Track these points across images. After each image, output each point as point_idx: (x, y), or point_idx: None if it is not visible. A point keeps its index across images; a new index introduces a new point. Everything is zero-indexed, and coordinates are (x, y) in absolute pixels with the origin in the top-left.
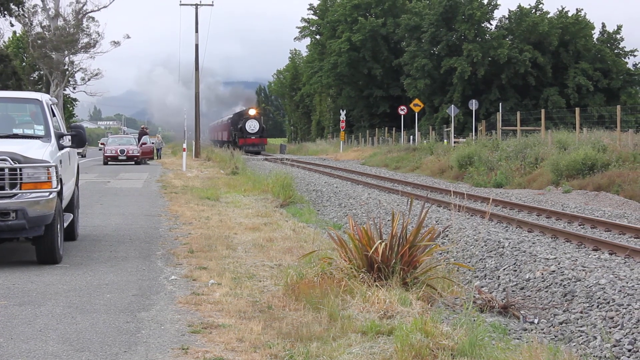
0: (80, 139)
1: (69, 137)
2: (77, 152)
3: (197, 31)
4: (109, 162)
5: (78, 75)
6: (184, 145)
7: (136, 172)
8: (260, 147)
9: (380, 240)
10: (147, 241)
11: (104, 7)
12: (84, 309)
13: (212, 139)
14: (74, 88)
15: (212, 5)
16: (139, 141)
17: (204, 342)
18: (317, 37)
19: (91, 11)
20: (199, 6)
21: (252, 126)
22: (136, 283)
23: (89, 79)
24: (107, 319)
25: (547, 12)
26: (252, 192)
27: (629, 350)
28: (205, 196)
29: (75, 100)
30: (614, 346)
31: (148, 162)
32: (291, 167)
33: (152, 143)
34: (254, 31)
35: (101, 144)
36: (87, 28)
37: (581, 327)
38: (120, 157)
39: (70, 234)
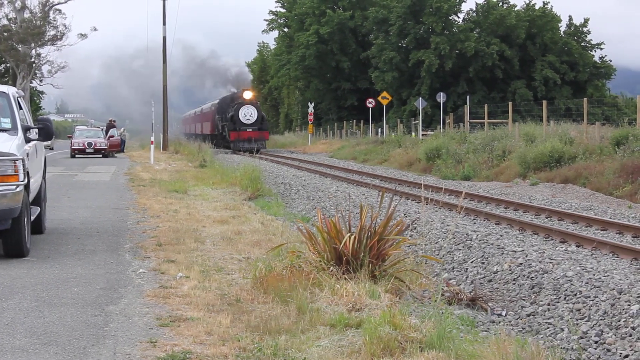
0: (47, 132)
1: (36, 130)
2: (45, 145)
3: (164, 23)
4: (77, 155)
5: (45, 68)
6: (152, 138)
7: (104, 165)
8: (260, 143)
9: (349, 234)
10: (115, 234)
11: None
12: (52, 303)
13: (187, 133)
14: (41, 81)
15: None
16: (106, 134)
17: (172, 336)
18: (285, 29)
19: (58, 3)
20: None
21: (248, 114)
22: (104, 276)
23: (55, 72)
24: (74, 312)
25: (514, 5)
26: (220, 185)
27: (596, 342)
28: (173, 189)
29: (42, 93)
30: (581, 338)
31: (115, 155)
32: (259, 159)
33: (120, 136)
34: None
35: (69, 137)
36: (54, 20)
37: (548, 319)
38: (87, 150)
39: (38, 227)
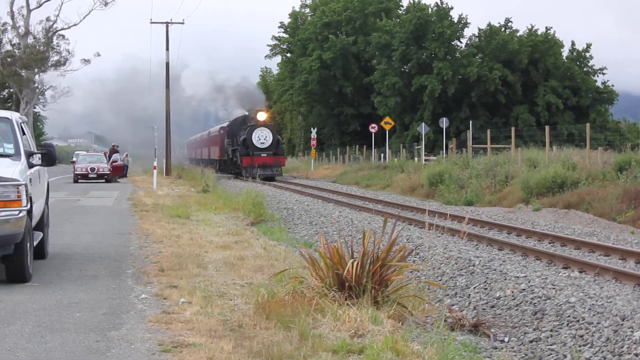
0: (50, 157)
1: (39, 155)
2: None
3: (167, 49)
4: (79, 180)
5: (48, 93)
6: (155, 163)
7: (106, 190)
8: (275, 169)
9: (351, 260)
10: (117, 259)
11: (74, 25)
12: (54, 328)
13: (192, 158)
14: (44, 106)
15: (182, 23)
16: (109, 159)
17: None
18: (288, 55)
19: (61, 29)
20: (169, 24)
21: (262, 138)
22: (106, 302)
23: (59, 97)
24: (76, 338)
25: (517, 31)
26: (223, 210)
27: None
28: (176, 214)
29: (45, 118)
30: None
31: (118, 180)
32: (262, 185)
33: (122, 161)
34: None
35: (72, 161)
36: (57, 46)
37: (551, 345)
38: (90, 175)
39: (40, 252)
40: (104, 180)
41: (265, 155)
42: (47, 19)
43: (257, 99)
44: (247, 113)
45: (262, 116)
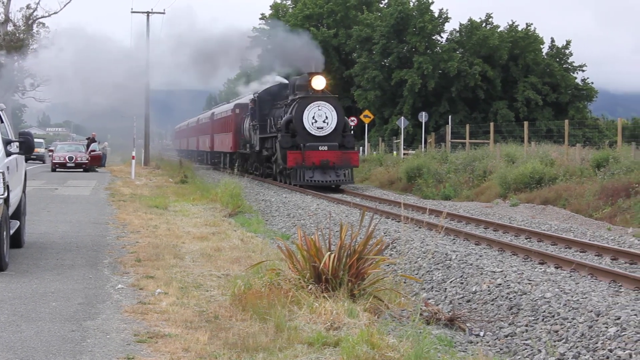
0: (28, 146)
1: (17, 143)
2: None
3: (148, 37)
4: (57, 169)
5: (27, 81)
6: (133, 153)
7: (84, 179)
8: (343, 172)
9: (328, 252)
10: (94, 249)
11: (55, 13)
12: (29, 317)
13: (182, 149)
14: (23, 94)
15: (163, 13)
16: (87, 148)
17: (149, 352)
18: (269, 46)
19: (41, 17)
20: (150, 14)
21: (321, 118)
22: (82, 291)
23: (38, 85)
24: (52, 327)
25: (498, 26)
26: (200, 201)
27: None
28: (153, 205)
29: (24, 106)
30: (558, 359)
31: (97, 169)
32: (240, 176)
33: (101, 150)
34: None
35: (50, 150)
36: (37, 34)
37: (526, 340)
38: (68, 164)
39: (17, 241)
40: (82, 170)
41: (326, 148)
42: (28, 7)
43: (306, 56)
44: (282, 80)
45: (319, 83)
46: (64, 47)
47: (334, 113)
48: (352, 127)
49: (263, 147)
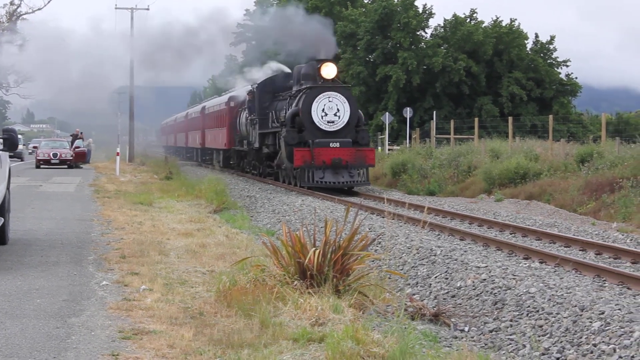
0: (12, 143)
1: (1, 140)
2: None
3: (132, 34)
4: (42, 166)
5: (11, 78)
6: (118, 150)
7: (69, 175)
8: (357, 171)
9: (313, 248)
10: (78, 246)
11: (39, 9)
12: (14, 314)
13: (168, 145)
14: (7, 91)
15: (147, 9)
16: (72, 145)
17: (134, 349)
18: (253, 42)
19: (25, 13)
20: (134, 10)
21: (332, 111)
22: (67, 288)
23: (22, 82)
24: (36, 324)
25: (482, 22)
26: (185, 197)
27: (557, 359)
28: (138, 201)
29: (7, 102)
30: (543, 354)
31: (81, 165)
32: (225, 172)
33: (85, 147)
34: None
35: (33, 147)
36: (22, 30)
37: (511, 335)
38: (53, 161)
39: (1, 238)
40: (66, 166)
41: (338, 144)
42: (12, 3)
43: (313, 40)
44: (284, 69)
45: (330, 71)
46: (27, 44)
47: (347, 105)
48: (362, 119)
49: (263, 143)
